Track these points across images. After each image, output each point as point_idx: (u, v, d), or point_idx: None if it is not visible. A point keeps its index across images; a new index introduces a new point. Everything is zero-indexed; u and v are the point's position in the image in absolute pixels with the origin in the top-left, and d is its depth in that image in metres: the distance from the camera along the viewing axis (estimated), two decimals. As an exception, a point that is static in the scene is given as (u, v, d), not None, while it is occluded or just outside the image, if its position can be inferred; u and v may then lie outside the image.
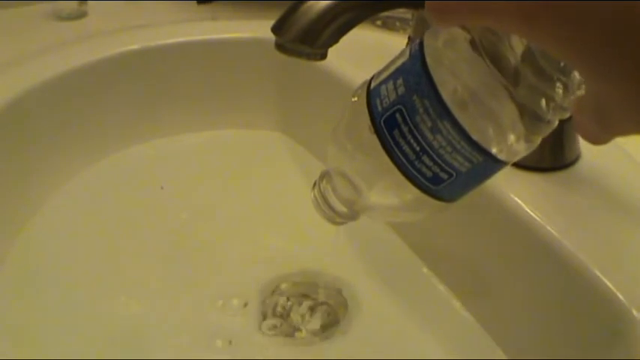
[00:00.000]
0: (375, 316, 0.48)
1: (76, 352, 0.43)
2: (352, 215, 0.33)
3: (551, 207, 0.40)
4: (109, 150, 0.62)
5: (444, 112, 0.25)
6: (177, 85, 0.64)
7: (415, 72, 0.26)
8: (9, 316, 0.46)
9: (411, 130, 0.26)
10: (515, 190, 0.41)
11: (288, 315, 0.48)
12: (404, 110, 0.26)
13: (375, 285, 0.50)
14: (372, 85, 0.28)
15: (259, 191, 0.60)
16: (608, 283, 0.35)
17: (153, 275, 0.51)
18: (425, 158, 0.26)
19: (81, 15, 0.69)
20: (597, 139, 0.24)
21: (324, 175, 0.34)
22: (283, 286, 0.50)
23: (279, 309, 0.48)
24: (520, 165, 0.43)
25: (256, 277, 0.50)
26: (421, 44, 0.26)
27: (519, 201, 0.40)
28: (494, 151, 0.26)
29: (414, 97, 0.26)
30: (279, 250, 0.52)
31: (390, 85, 0.27)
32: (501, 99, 0.25)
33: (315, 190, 0.34)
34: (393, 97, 0.27)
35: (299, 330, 0.47)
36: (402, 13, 0.65)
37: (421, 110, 0.25)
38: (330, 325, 0.47)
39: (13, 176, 0.53)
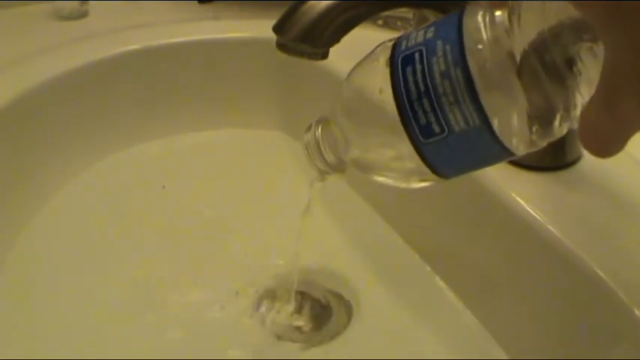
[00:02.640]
0: (376, 315, 0.48)
1: (76, 352, 0.43)
2: (338, 166, 0.34)
3: (553, 206, 0.40)
4: (110, 150, 0.62)
5: (461, 60, 0.25)
6: (179, 84, 0.64)
7: (449, 23, 0.26)
8: (9, 316, 0.46)
9: (424, 69, 0.26)
10: (517, 190, 0.41)
11: (288, 315, 0.48)
12: (424, 50, 0.26)
13: (376, 284, 0.50)
14: (407, 33, 0.29)
15: (260, 190, 0.60)
16: (610, 283, 0.35)
17: (153, 275, 0.50)
18: (425, 101, 0.26)
19: (82, 15, 0.69)
20: (606, 138, 0.23)
21: (321, 121, 0.34)
22: (283, 285, 0.50)
23: (278, 308, 0.48)
24: (521, 164, 0.43)
25: (256, 277, 0.50)
26: (464, 8, 0.27)
27: (521, 200, 0.40)
28: (494, 124, 0.26)
29: (438, 42, 0.26)
30: (280, 250, 0.52)
31: (422, 32, 0.27)
32: (515, 101, 0.25)
33: (309, 135, 0.34)
34: (420, 39, 0.27)
35: (299, 330, 0.47)
36: (403, 12, 0.65)
37: (440, 53, 0.26)
38: (331, 325, 0.47)
39: (14, 176, 0.53)
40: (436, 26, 0.27)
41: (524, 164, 0.43)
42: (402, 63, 0.27)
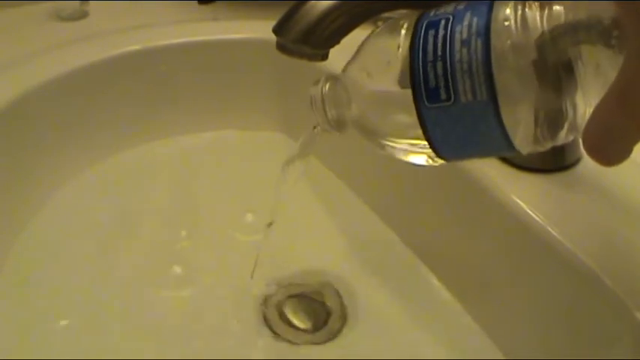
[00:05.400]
0: (375, 316, 0.48)
1: (76, 352, 0.43)
2: (338, 124, 0.34)
3: (553, 208, 0.40)
4: (110, 151, 0.62)
5: (484, 32, 0.25)
6: (179, 85, 0.64)
7: (483, 1, 0.27)
8: (9, 316, 0.46)
9: (445, 35, 0.26)
10: (516, 192, 0.41)
11: (287, 315, 0.48)
12: (451, 18, 0.27)
13: (375, 285, 0.50)
14: (437, 7, 0.29)
15: (259, 191, 0.60)
16: (610, 284, 0.35)
17: (152, 275, 0.51)
18: (439, 65, 0.26)
19: (82, 15, 0.69)
20: (614, 142, 0.22)
21: (330, 77, 0.34)
22: (283, 286, 0.50)
23: (277, 309, 0.48)
24: (521, 166, 0.43)
25: (255, 277, 0.50)
26: None
27: (520, 202, 0.40)
28: (501, 103, 0.26)
29: (467, 13, 0.26)
30: (280, 251, 0.52)
31: (452, 5, 0.28)
32: (527, 88, 0.25)
33: (316, 88, 0.34)
34: (449, 10, 0.27)
35: (298, 331, 0.47)
36: (403, 14, 0.64)
37: (465, 23, 0.26)
38: (330, 326, 0.47)
39: (13, 177, 0.53)
40: (468, 2, 0.27)
41: (524, 166, 0.43)
42: (426, 26, 0.27)
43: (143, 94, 0.63)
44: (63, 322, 0.46)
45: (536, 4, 0.25)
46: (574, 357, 0.38)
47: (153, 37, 0.63)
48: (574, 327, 0.38)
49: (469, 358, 0.44)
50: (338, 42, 0.38)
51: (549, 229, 0.38)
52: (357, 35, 0.38)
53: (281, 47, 0.39)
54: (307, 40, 0.37)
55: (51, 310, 0.47)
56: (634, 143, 0.23)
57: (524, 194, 0.41)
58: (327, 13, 0.36)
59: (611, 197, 0.40)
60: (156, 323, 0.47)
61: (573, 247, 0.37)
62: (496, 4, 0.26)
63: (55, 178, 0.57)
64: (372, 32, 0.31)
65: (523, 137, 0.27)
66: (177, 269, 0.51)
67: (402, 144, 0.30)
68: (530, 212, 0.40)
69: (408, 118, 0.28)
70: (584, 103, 0.25)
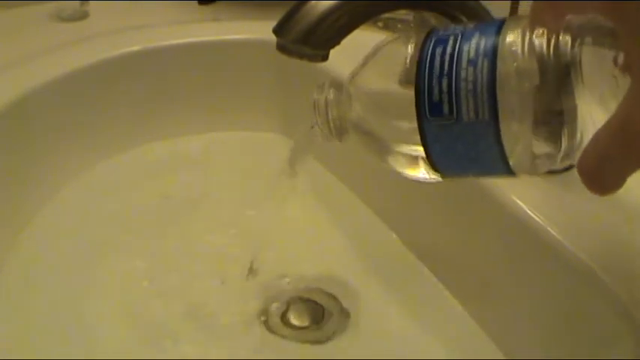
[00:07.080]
0: (375, 317, 0.48)
1: (75, 352, 0.43)
2: (339, 130, 0.34)
3: (553, 208, 0.40)
4: (110, 151, 0.62)
5: (492, 53, 0.26)
6: (179, 86, 0.64)
7: (491, 23, 0.27)
8: (9, 317, 0.46)
9: (453, 52, 0.27)
10: (517, 192, 0.41)
11: (288, 316, 0.48)
12: (459, 36, 0.27)
13: (375, 286, 0.50)
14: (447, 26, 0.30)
15: (260, 193, 0.60)
16: (610, 284, 0.35)
17: (153, 277, 0.51)
18: (444, 81, 0.27)
19: (82, 16, 0.69)
20: (612, 168, 0.22)
21: (333, 84, 0.34)
22: (283, 287, 0.50)
23: (278, 310, 0.48)
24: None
25: (257, 279, 0.50)
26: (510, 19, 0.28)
27: (520, 202, 0.40)
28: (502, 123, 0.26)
29: (476, 33, 0.27)
30: (280, 253, 0.52)
31: (462, 25, 0.28)
32: (529, 110, 0.25)
33: (320, 94, 0.34)
34: (459, 29, 0.28)
35: (299, 331, 0.47)
36: (403, 14, 0.65)
37: (474, 42, 0.26)
38: (330, 326, 0.47)
39: (13, 178, 0.53)
40: (479, 24, 0.28)
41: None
42: (434, 42, 0.28)
43: (143, 95, 0.63)
44: (63, 322, 0.46)
45: (544, 31, 0.26)
46: (574, 357, 0.38)
47: (153, 38, 0.63)
48: (574, 327, 0.39)
49: (469, 358, 0.44)
50: (338, 42, 0.38)
51: (549, 229, 0.38)
52: (358, 36, 0.38)
53: (281, 48, 0.39)
54: (307, 40, 0.37)
55: (51, 309, 0.47)
56: (629, 174, 0.23)
57: (524, 194, 0.41)
58: (328, 14, 0.36)
59: (611, 197, 0.40)
60: (155, 323, 0.47)
61: (573, 247, 0.37)
62: (505, 28, 0.26)
63: (55, 178, 0.57)
64: (380, 44, 0.32)
65: (520, 160, 0.27)
66: (177, 268, 0.51)
67: (402, 149, 0.30)
68: (530, 212, 0.40)
69: (410, 124, 0.28)
70: (583, 131, 0.25)
